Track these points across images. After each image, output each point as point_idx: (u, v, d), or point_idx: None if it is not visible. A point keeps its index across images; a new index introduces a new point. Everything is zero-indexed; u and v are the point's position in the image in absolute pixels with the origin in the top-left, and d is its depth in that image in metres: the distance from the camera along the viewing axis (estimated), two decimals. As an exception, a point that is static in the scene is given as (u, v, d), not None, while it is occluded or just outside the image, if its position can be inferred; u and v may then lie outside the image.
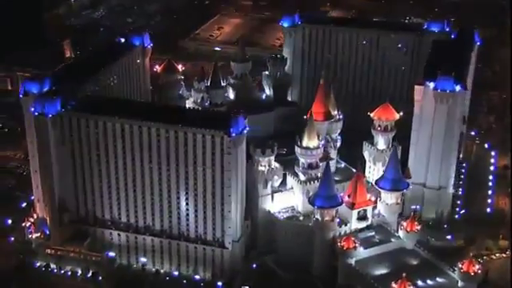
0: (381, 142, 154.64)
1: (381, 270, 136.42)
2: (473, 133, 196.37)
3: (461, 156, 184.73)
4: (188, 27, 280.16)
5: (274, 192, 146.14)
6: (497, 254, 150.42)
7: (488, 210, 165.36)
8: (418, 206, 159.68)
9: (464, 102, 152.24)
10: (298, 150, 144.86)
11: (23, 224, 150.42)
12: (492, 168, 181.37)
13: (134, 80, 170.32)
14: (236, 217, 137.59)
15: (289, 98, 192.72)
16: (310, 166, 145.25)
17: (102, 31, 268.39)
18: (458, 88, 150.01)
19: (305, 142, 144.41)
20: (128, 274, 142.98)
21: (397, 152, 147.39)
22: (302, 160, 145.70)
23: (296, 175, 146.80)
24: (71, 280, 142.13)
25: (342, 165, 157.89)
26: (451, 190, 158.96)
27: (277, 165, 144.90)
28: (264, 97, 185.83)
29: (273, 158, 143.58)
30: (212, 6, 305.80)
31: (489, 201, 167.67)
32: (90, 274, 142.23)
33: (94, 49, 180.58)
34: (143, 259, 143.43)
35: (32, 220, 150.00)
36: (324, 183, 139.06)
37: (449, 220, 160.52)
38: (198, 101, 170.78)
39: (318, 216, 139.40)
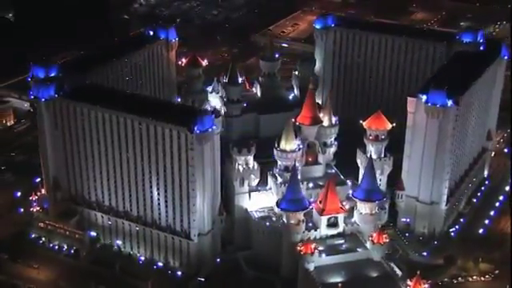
0: (372, 150, 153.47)
1: (336, 279, 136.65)
2: (506, 150, 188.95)
3: (485, 173, 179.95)
4: (267, 22, 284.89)
5: (251, 191, 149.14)
6: (474, 277, 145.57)
7: (481, 231, 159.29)
8: (408, 219, 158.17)
9: (456, 117, 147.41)
10: (275, 152, 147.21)
11: (30, 198, 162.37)
12: (507, 188, 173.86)
13: (157, 72, 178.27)
14: (203, 211, 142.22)
15: (319, 100, 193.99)
16: (287, 169, 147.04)
17: (179, 22, 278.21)
18: (449, 103, 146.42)
19: (282, 145, 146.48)
20: (106, 254, 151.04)
21: (373, 163, 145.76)
22: (279, 162, 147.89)
23: (274, 177, 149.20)
24: (56, 254, 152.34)
25: (333, 171, 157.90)
26: (444, 206, 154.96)
27: (255, 164, 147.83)
28: (291, 97, 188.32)
29: (250, 157, 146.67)
30: (298, 2, 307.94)
31: (486, 222, 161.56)
32: (72, 251, 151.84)
33: (119, 39, 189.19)
34: (118, 242, 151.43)
35: (37, 195, 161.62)
36: (290, 187, 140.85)
37: (441, 236, 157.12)
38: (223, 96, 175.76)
39: (284, 218, 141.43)
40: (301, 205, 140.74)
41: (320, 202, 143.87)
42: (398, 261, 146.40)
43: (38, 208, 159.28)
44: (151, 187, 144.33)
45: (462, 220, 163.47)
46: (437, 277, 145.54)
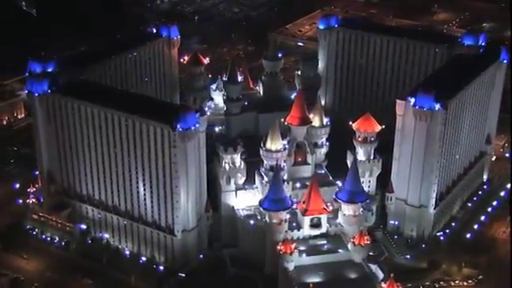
0: (361, 152, 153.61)
1: (314, 279, 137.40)
2: (507, 154, 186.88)
3: (485, 177, 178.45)
4: (285, 20, 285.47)
5: (237, 189, 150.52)
6: (457, 281, 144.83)
7: (471, 235, 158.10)
8: (396, 222, 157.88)
9: (444, 121, 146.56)
10: (261, 151, 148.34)
11: (28, 190, 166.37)
12: (502, 193, 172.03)
13: (158, 69, 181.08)
14: (187, 207, 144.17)
15: (322, 100, 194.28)
16: (272, 168, 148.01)
17: (197, 19, 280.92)
18: (437, 107, 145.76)
19: (267, 145, 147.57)
20: (96, 247, 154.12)
21: (356, 164, 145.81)
22: (265, 161, 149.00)
23: (261, 176, 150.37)
24: (48, 245, 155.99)
25: (323, 171, 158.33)
26: (432, 210, 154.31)
27: (242, 163, 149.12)
28: (293, 96, 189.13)
29: (237, 156, 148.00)
30: (319, 1, 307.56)
31: (477, 226, 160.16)
32: (63, 243, 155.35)
33: (120, 36, 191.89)
34: (106, 235, 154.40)
35: (35, 187, 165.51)
36: (273, 186, 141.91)
37: (429, 240, 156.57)
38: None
39: (266, 218, 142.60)
40: (283, 204, 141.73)
41: (304, 202, 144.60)
42: (382, 263, 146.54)
43: (34, 200, 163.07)
44: (137, 183, 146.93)
45: (453, 224, 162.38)
46: (419, 280, 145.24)
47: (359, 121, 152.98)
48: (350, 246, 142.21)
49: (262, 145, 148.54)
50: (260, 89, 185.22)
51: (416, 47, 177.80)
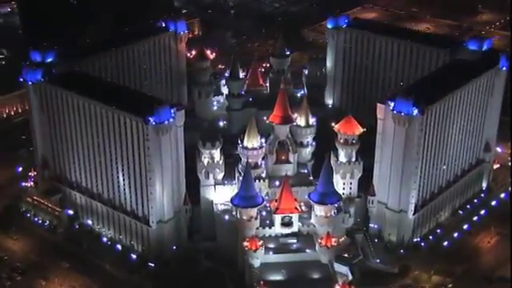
0: (342, 154, 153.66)
1: (276, 277, 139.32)
2: (510, 163, 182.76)
3: (484, 185, 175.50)
4: (324, 17, 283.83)
5: (216, 184, 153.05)
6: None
7: (453, 243, 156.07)
8: (376, 225, 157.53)
9: (421, 127, 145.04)
10: (238, 148, 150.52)
11: (29, 174, 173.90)
12: (494, 202, 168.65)
13: (164, 63, 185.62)
14: (162, 199, 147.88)
15: (330, 100, 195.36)
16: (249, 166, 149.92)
17: (233, 13, 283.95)
18: (415, 112, 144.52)
19: (245, 142, 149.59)
20: (81, 232, 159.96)
21: (329, 166, 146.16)
22: (242, 158, 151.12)
23: (239, 172, 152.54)
24: (38, 228, 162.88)
25: (305, 171, 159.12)
26: (411, 215, 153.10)
27: (221, 159, 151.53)
28: (299, 95, 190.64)
29: (216, 151, 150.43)
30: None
31: (455, 235, 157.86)
32: (52, 226, 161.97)
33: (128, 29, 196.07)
34: (89, 221, 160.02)
35: (35, 171, 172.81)
36: (242, 183, 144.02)
37: (409, 245, 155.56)
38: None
39: (238, 214, 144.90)
40: (252, 202, 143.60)
41: (276, 200, 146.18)
42: (354, 265, 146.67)
43: (32, 184, 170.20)
44: (117, 173, 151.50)
45: (438, 231, 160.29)
46: (387, 285, 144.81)
47: (341, 123, 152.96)
48: (317, 246, 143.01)
49: (239, 142, 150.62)
50: (267, 86, 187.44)
51: (419, 50, 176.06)
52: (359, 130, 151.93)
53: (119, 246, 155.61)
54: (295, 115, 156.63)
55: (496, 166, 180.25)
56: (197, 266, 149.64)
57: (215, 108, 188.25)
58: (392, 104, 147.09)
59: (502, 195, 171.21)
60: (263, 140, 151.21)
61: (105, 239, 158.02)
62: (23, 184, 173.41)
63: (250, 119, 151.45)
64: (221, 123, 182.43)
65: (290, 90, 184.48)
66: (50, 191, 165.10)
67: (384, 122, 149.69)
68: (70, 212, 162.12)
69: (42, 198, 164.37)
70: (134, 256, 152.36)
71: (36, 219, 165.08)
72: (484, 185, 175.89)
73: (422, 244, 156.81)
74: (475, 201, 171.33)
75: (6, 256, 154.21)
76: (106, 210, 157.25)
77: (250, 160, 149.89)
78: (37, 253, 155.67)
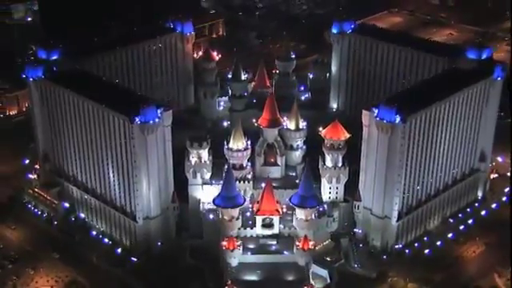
0: (328, 159, 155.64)
1: (251, 277, 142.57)
2: (509, 173, 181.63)
3: (479, 194, 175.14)
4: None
5: (204, 183, 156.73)
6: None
7: (433, 251, 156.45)
8: (360, 230, 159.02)
9: (403, 135, 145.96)
10: (224, 150, 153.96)
11: (35, 166, 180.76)
12: (483, 212, 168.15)
13: (170, 63, 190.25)
14: (148, 196, 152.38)
15: (334, 104, 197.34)
16: (234, 167, 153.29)
17: (258, 14, 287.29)
18: (397, 120, 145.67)
19: (230, 144, 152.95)
20: (76, 225, 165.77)
21: (309, 170, 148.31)
22: (228, 160, 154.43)
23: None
24: (37, 219, 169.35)
25: (294, 173, 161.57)
26: (394, 222, 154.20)
27: (208, 159, 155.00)
28: (304, 98, 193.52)
29: (204, 151, 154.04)
30: (391, 2, 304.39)
31: (438, 243, 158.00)
32: (50, 218, 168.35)
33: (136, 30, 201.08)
34: (82, 215, 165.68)
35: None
36: (224, 184, 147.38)
37: (393, 251, 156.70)
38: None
39: (220, 214, 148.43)
40: (234, 202, 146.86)
41: (258, 202, 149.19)
42: (334, 269, 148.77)
43: (35, 176, 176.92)
44: (108, 169, 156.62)
45: (425, 238, 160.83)
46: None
47: (327, 128, 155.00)
48: (294, 249, 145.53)
49: (225, 143, 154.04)
50: (272, 88, 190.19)
51: (419, 57, 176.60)
52: (345, 135, 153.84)
53: (107, 240, 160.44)
54: (285, 118, 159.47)
55: (494, 176, 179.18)
56: (180, 263, 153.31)
57: (221, 108, 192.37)
58: (376, 111, 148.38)
59: (494, 205, 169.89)
60: (249, 142, 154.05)
61: (94, 232, 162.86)
62: (29, 176, 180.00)
63: (236, 121, 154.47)
64: (225, 123, 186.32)
65: (295, 92, 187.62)
66: (49, 184, 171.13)
67: (369, 129, 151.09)
68: (67, 205, 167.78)
69: (41, 190, 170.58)
70: (119, 250, 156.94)
71: (36, 210, 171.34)
72: (480, 194, 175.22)
73: (407, 251, 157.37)
74: (468, 210, 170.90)
75: (2, 245, 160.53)
76: (98, 204, 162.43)
77: (234, 161, 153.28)
78: (31, 243, 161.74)
